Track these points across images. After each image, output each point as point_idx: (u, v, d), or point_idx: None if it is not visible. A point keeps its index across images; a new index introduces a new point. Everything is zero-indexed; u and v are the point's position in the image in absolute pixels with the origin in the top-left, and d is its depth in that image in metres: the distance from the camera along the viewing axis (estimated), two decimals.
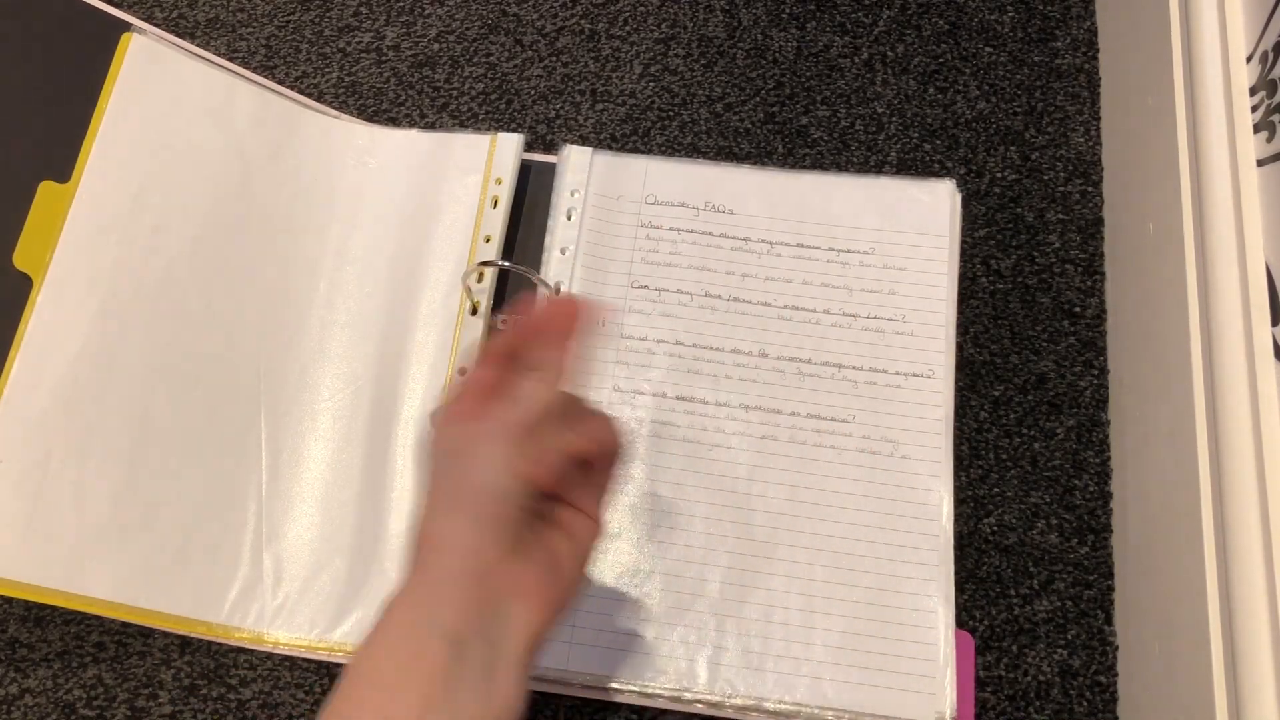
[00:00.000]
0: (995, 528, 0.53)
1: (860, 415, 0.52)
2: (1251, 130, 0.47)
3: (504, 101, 0.65)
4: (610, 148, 0.64)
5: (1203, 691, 0.42)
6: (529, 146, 0.64)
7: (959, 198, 0.56)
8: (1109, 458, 0.55)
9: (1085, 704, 0.50)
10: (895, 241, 0.55)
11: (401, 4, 0.69)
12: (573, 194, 0.57)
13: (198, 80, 0.55)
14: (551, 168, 0.59)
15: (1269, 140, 0.45)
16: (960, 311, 0.58)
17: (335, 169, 0.58)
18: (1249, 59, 0.47)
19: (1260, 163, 0.45)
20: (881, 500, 0.50)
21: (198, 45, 0.68)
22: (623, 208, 0.57)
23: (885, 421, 0.52)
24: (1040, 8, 0.66)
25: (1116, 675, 0.50)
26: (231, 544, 0.50)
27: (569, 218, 0.56)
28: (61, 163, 0.50)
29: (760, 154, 0.63)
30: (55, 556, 0.46)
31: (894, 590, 0.48)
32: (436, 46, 0.67)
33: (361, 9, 0.69)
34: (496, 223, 0.56)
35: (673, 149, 0.63)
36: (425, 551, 0.32)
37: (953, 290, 0.54)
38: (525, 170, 0.59)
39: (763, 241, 0.56)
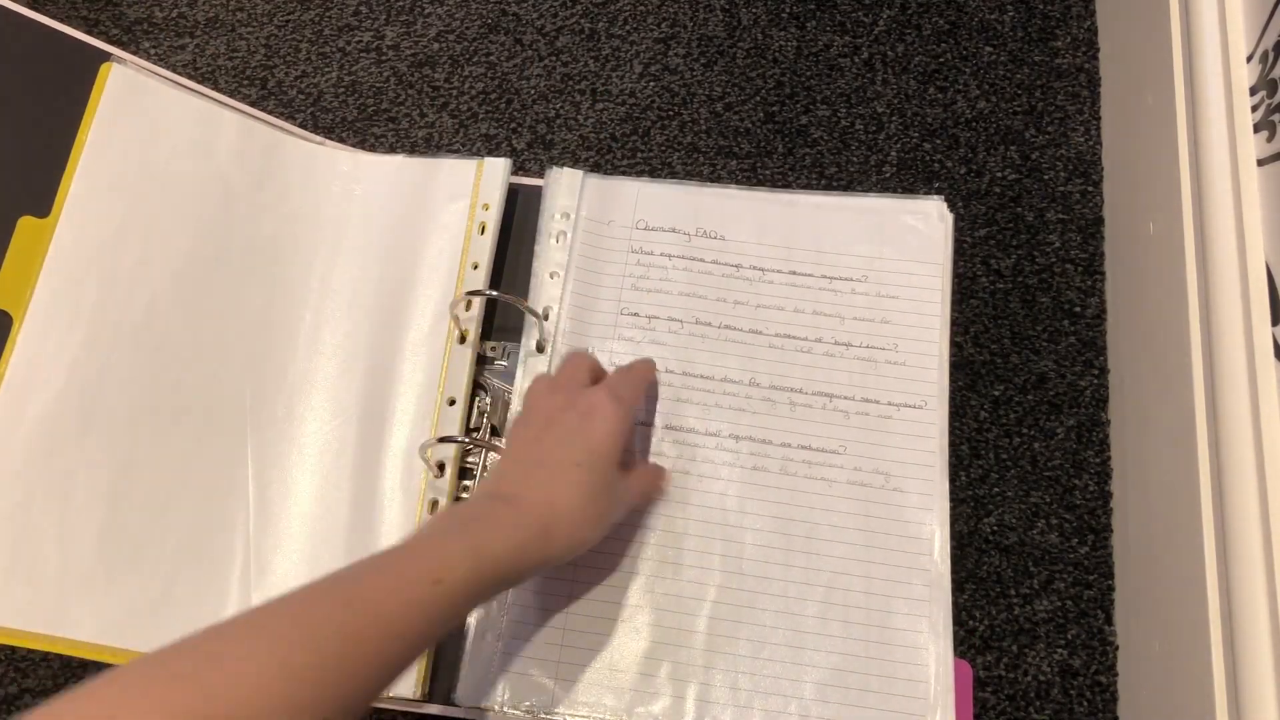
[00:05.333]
0: (995, 528, 0.53)
1: (852, 447, 0.51)
2: (1251, 130, 0.47)
3: (504, 101, 0.65)
4: (610, 147, 0.64)
5: (1203, 691, 0.42)
6: (529, 145, 0.64)
7: (950, 220, 0.55)
8: (1109, 458, 0.55)
9: (1085, 704, 0.50)
10: (888, 269, 0.54)
11: (401, 3, 0.69)
12: (564, 216, 0.56)
13: (178, 110, 0.54)
14: (539, 191, 0.57)
15: (1269, 140, 0.45)
16: (960, 311, 0.58)
17: (320, 197, 0.57)
18: (1249, 59, 0.47)
19: (1260, 163, 0.45)
20: (873, 534, 0.49)
21: (197, 45, 0.68)
22: (614, 232, 0.56)
23: (877, 453, 0.51)
24: (1040, 7, 0.66)
25: (1116, 675, 0.50)
26: (219, 583, 0.49)
27: (558, 241, 0.56)
28: (41, 197, 0.50)
29: (760, 154, 0.63)
30: (38, 600, 0.45)
31: (884, 626, 0.48)
32: (436, 46, 0.67)
33: (361, 8, 0.69)
34: (484, 249, 0.55)
35: (673, 148, 0.63)
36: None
37: (946, 319, 0.53)
38: (512, 194, 0.58)
39: (754, 268, 0.55)
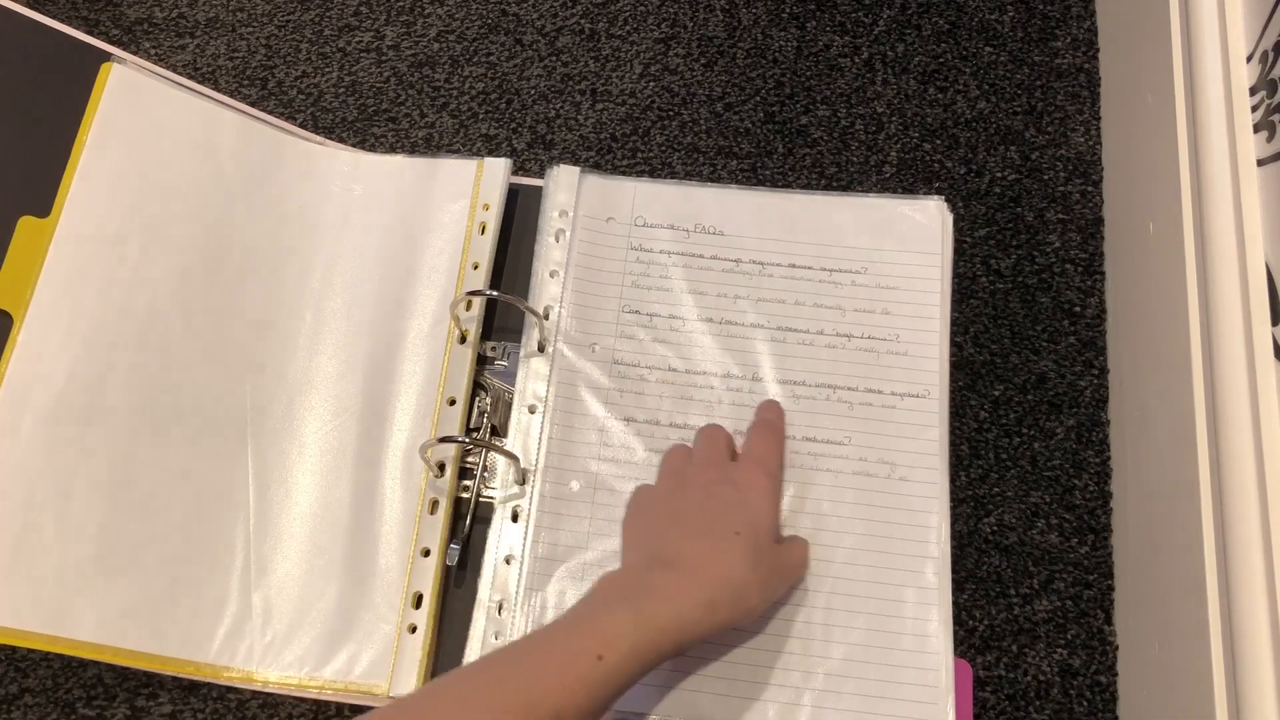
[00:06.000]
0: (995, 528, 0.53)
1: (856, 437, 0.51)
2: (1251, 130, 0.47)
3: (504, 101, 0.65)
4: (610, 147, 0.64)
5: (1203, 691, 0.42)
6: (529, 145, 0.64)
7: (950, 217, 0.55)
8: (1109, 458, 0.55)
9: (1085, 704, 0.50)
10: (887, 260, 0.54)
11: (401, 4, 0.69)
12: (561, 215, 0.56)
13: (179, 110, 0.54)
14: (539, 191, 0.57)
15: (1269, 140, 0.45)
16: (960, 311, 0.58)
17: (320, 197, 0.57)
18: (1249, 59, 0.47)
19: (1260, 163, 0.45)
20: (880, 524, 0.49)
21: (197, 45, 0.68)
22: (613, 229, 0.56)
23: (882, 443, 0.51)
24: (1040, 8, 0.66)
25: (1116, 675, 0.50)
26: (219, 582, 0.49)
27: (557, 239, 0.56)
28: (41, 197, 0.49)
29: (760, 154, 0.63)
30: (38, 599, 0.45)
31: (894, 615, 0.47)
32: (436, 46, 0.67)
33: (361, 9, 0.69)
34: (484, 249, 0.55)
35: (673, 148, 0.63)
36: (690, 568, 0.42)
37: (946, 309, 0.54)
38: (512, 194, 0.57)
39: (754, 263, 0.55)
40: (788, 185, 0.62)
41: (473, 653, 0.48)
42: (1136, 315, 0.54)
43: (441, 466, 0.51)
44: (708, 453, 0.48)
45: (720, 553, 0.42)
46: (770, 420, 0.51)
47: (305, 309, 0.55)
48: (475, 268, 0.55)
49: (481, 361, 0.55)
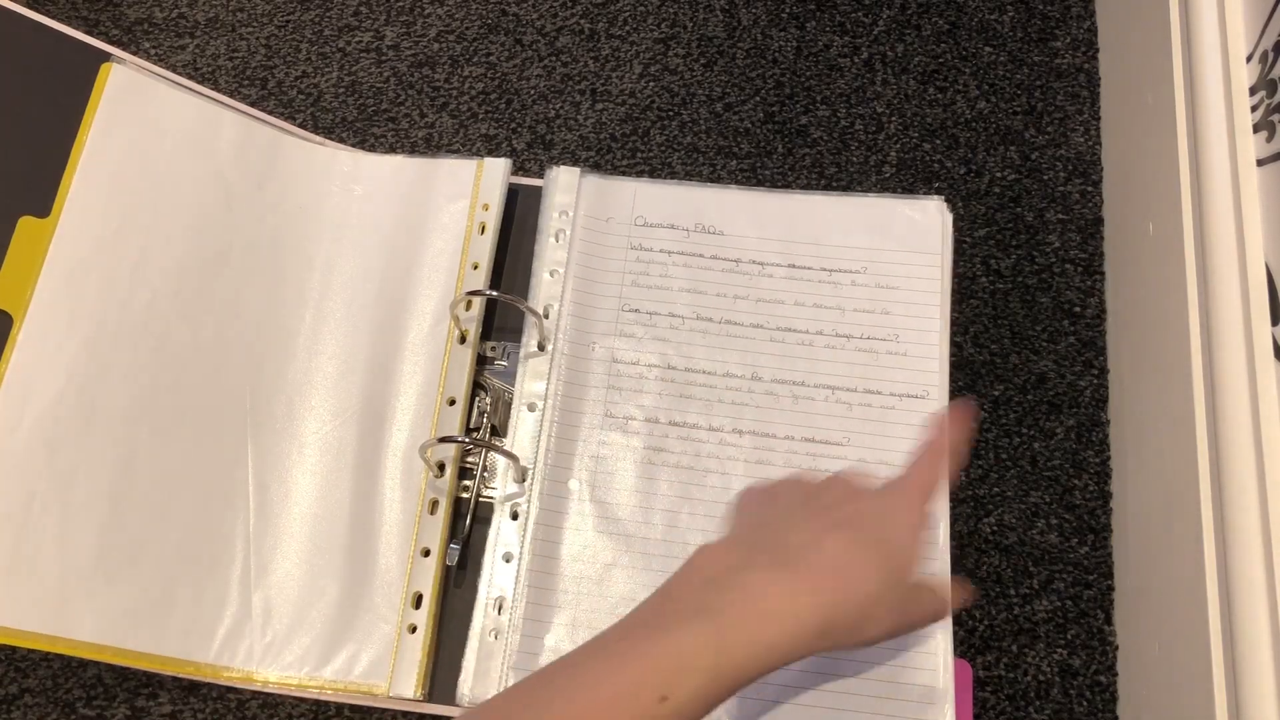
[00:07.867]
0: (995, 528, 0.53)
1: (855, 438, 0.51)
2: (1251, 130, 0.47)
3: (504, 101, 0.65)
4: (610, 147, 0.64)
5: (1203, 691, 0.42)
6: (529, 145, 0.64)
7: (949, 216, 0.55)
8: (1109, 458, 0.55)
9: (1085, 704, 0.50)
10: (887, 260, 0.54)
11: (401, 4, 0.69)
12: (561, 215, 0.56)
13: (179, 110, 0.54)
14: (539, 191, 0.57)
15: (1269, 140, 0.45)
16: (960, 311, 0.58)
17: (320, 197, 0.57)
18: (1249, 59, 0.47)
19: (1260, 163, 0.45)
20: None
21: (197, 45, 0.68)
22: (612, 229, 0.56)
23: (881, 444, 0.51)
24: (1040, 8, 0.66)
25: (1116, 675, 0.50)
26: (219, 582, 0.49)
27: (557, 239, 0.56)
28: (41, 197, 0.49)
29: (760, 154, 0.63)
30: (38, 599, 0.45)
31: None
32: (436, 46, 0.67)
33: (361, 9, 0.69)
34: (484, 249, 0.55)
35: (673, 148, 0.63)
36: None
37: (946, 309, 0.54)
38: (512, 194, 0.58)
39: (754, 263, 0.55)
40: (788, 185, 0.62)
41: (471, 651, 0.48)
42: (1136, 315, 0.54)
43: (441, 466, 0.51)
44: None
45: (852, 559, 0.32)
46: (935, 458, 0.39)
47: (305, 309, 0.55)
48: (475, 268, 0.55)
49: (481, 361, 0.55)
